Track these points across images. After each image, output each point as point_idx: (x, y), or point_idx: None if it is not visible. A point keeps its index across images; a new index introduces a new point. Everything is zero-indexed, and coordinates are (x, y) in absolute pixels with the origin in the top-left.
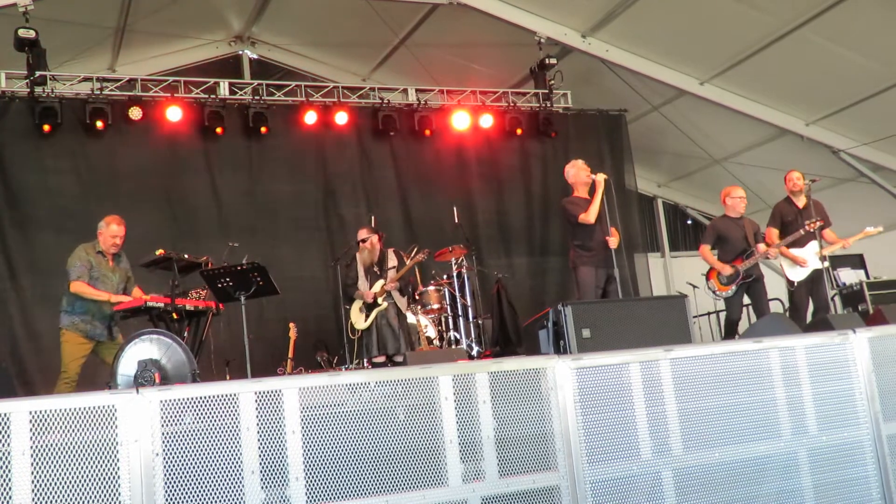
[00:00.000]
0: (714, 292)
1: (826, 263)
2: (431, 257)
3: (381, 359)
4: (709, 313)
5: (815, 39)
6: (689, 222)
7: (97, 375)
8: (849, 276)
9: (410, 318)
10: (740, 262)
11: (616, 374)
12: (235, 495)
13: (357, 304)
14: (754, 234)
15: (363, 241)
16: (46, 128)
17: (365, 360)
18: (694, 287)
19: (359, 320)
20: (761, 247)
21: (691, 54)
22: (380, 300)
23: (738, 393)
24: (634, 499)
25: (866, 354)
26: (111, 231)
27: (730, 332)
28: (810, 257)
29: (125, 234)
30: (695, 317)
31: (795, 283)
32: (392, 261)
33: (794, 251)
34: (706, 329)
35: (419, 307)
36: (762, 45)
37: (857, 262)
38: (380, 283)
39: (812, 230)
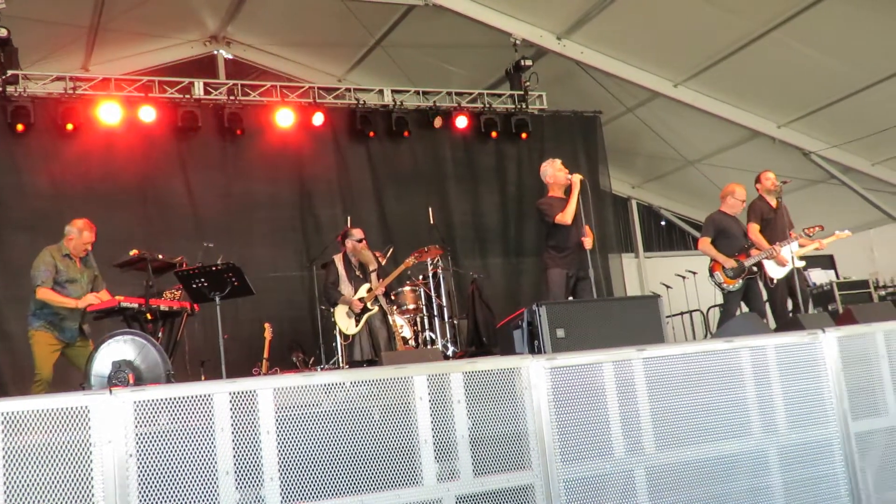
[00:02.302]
0: (720, 285)
1: (802, 263)
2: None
3: (360, 358)
4: (682, 313)
5: (786, 43)
6: (663, 223)
7: (70, 376)
8: (819, 276)
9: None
10: (743, 257)
11: (589, 373)
12: (210, 496)
13: (343, 309)
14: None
15: (363, 240)
16: (20, 127)
17: (341, 360)
18: (667, 287)
19: (349, 325)
20: (777, 246)
21: (665, 57)
22: (369, 304)
23: (710, 392)
24: (607, 497)
25: (835, 353)
26: (84, 238)
27: None
28: (789, 257)
29: (95, 239)
30: (668, 317)
31: (775, 281)
32: (373, 264)
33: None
34: (679, 329)
35: (395, 307)
36: (735, 48)
37: (828, 262)
38: (365, 286)
39: (811, 234)
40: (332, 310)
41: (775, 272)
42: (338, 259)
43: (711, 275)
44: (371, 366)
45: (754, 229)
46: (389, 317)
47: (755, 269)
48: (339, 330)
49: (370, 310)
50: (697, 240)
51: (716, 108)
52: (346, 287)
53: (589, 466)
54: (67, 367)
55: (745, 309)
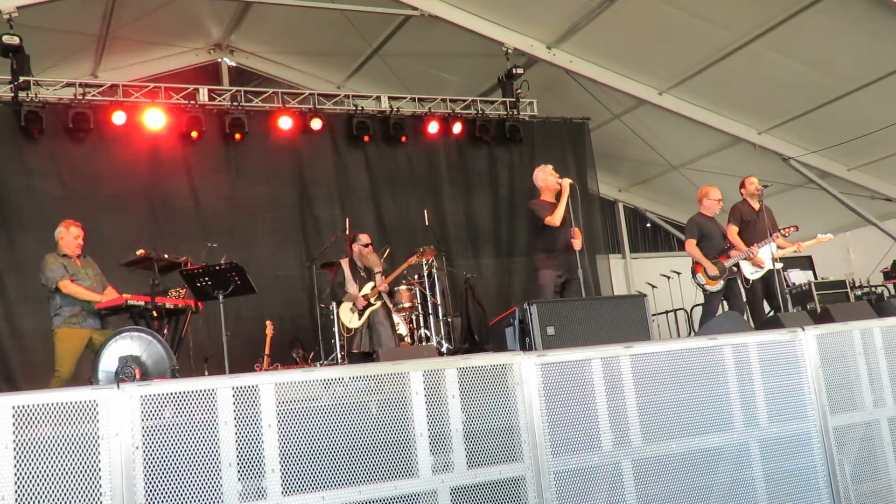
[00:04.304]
0: (702, 286)
1: (780, 265)
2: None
3: (357, 350)
4: (667, 312)
5: (766, 53)
6: (649, 225)
7: (79, 372)
8: (798, 276)
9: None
10: (724, 258)
11: (579, 369)
12: (213, 487)
13: (347, 305)
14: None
15: (369, 245)
16: (35, 132)
17: (339, 356)
18: (653, 287)
19: (352, 319)
20: (754, 248)
21: (651, 65)
22: (372, 300)
23: (694, 387)
24: (595, 488)
25: (814, 351)
26: (72, 234)
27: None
28: (766, 258)
29: (84, 234)
30: (653, 315)
31: (751, 282)
32: (378, 267)
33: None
34: (664, 327)
35: (391, 306)
36: (717, 57)
37: (806, 263)
38: (370, 285)
39: (787, 235)
40: (336, 307)
41: (750, 273)
42: (344, 262)
43: (694, 276)
44: (369, 359)
45: (732, 231)
46: (392, 312)
47: (735, 269)
48: (342, 324)
49: (373, 306)
50: (684, 242)
51: (699, 114)
52: (351, 287)
53: (578, 459)
54: (79, 364)
55: (725, 308)
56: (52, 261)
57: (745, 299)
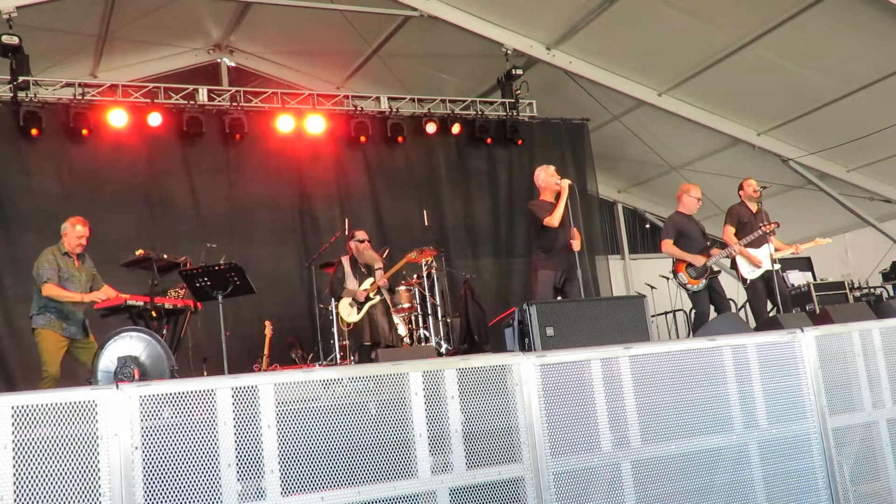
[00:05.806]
0: (684, 285)
1: (777, 266)
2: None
3: (368, 342)
4: (666, 313)
5: (766, 54)
6: (648, 226)
7: (77, 371)
8: (797, 277)
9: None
10: (706, 256)
11: (578, 370)
12: (212, 487)
13: (346, 300)
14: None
15: (364, 241)
16: (34, 132)
17: (338, 356)
18: (652, 288)
19: (351, 314)
20: (735, 246)
21: (650, 66)
22: (371, 295)
23: (694, 388)
24: (595, 489)
25: (813, 352)
26: (77, 232)
27: (700, 325)
28: (764, 258)
29: (89, 234)
30: (652, 316)
31: (748, 281)
32: (378, 263)
33: (751, 251)
34: (663, 328)
35: (391, 304)
36: (717, 58)
37: (805, 264)
38: (369, 280)
39: (768, 231)
40: (335, 303)
41: (748, 272)
42: (345, 259)
43: (675, 276)
44: (370, 349)
45: (729, 232)
46: (391, 309)
47: (716, 268)
48: (341, 319)
49: (372, 300)
50: (660, 243)
51: (698, 116)
52: (351, 283)
53: (577, 460)
54: (74, 363)
55: (713, 307)
56: (48, 257)
57: (746, 299)
